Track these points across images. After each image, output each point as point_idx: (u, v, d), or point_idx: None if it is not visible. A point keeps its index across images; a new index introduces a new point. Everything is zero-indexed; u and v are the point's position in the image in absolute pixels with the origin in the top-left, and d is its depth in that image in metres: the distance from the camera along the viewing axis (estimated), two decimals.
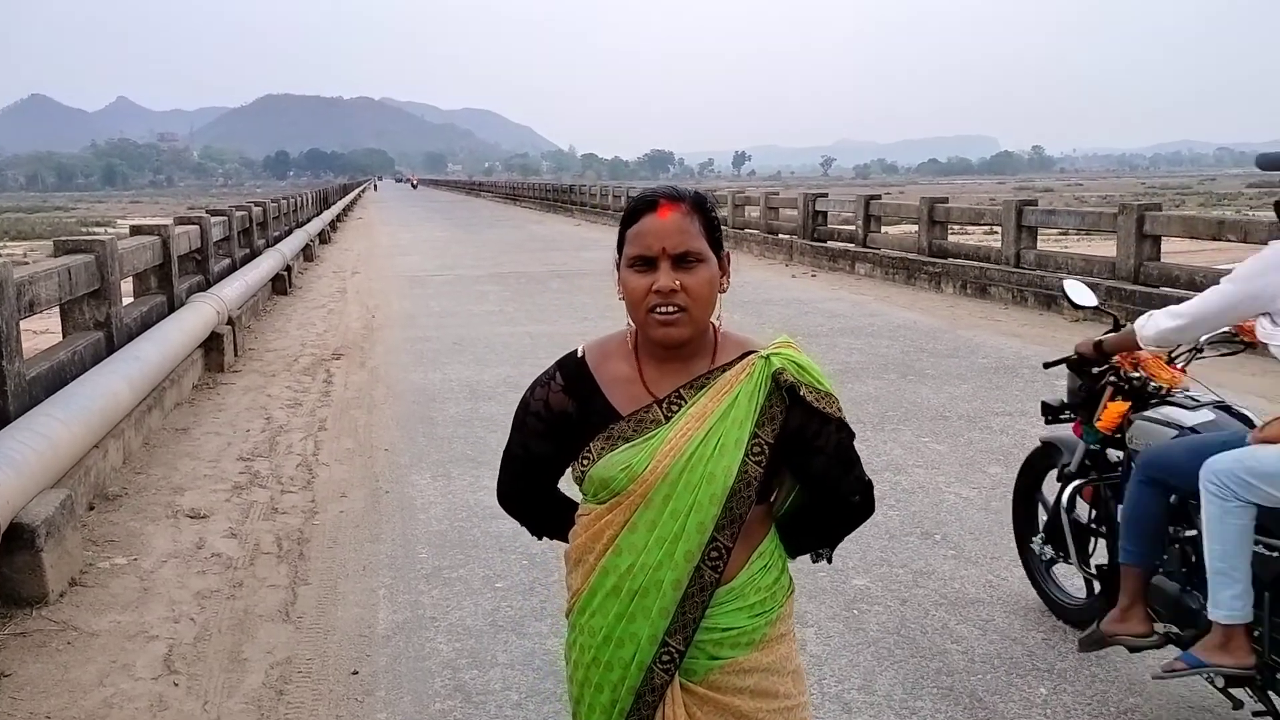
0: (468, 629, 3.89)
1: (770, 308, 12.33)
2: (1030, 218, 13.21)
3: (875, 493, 1.89)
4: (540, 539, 2.05)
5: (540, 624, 3.92)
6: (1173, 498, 3.09)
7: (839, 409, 1.77)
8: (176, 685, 3.50)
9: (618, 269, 1.78)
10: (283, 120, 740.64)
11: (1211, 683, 3.02)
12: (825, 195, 19.69)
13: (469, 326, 11.43)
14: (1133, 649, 3.29)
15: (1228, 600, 2.84)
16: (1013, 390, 7.72)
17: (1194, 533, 3.02)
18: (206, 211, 12.68)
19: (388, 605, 4.13)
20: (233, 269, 12.47)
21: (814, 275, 16.69)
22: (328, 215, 30.03)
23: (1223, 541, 2.84)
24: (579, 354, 1.86)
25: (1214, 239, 10.91)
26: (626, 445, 1.74)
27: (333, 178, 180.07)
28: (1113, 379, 3.57)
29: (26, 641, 3.79)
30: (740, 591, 1.77)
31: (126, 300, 7.88)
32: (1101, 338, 3.61)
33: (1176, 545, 3.13)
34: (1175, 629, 3.13)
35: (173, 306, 8.83)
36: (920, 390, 7.74)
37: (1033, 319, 11.59)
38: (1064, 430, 3.91)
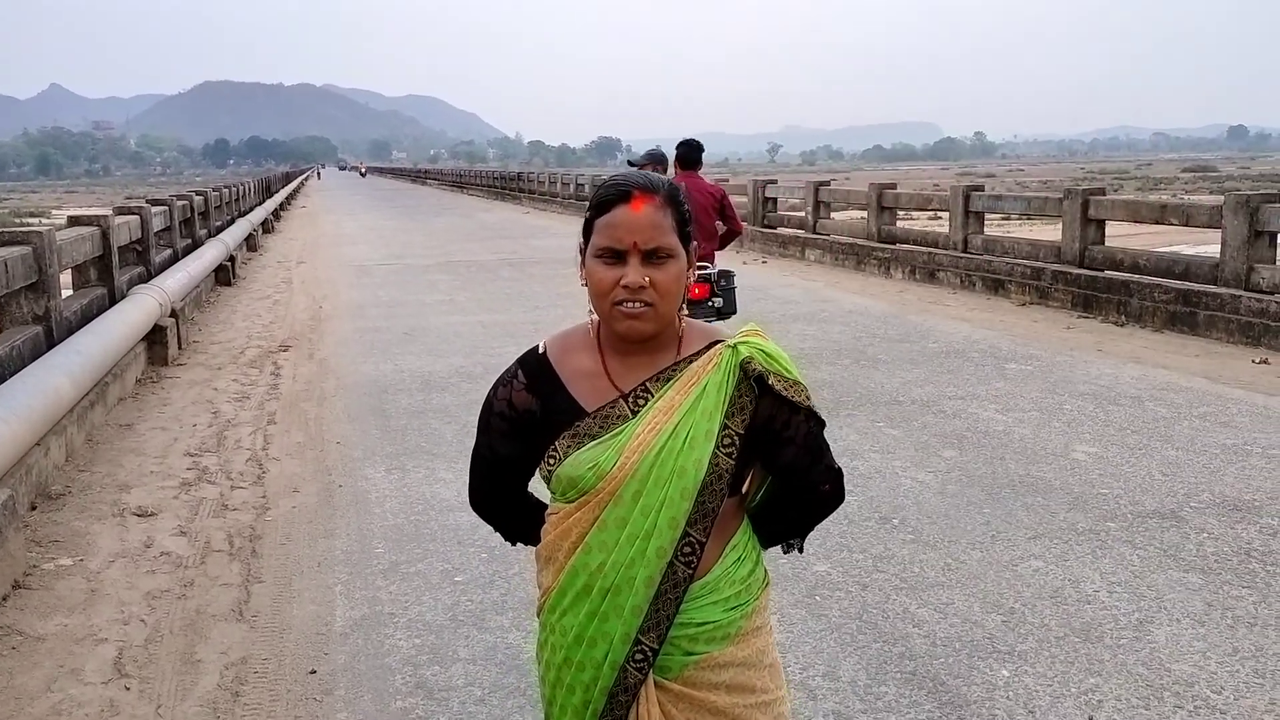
0: (428, 624, 3.83)
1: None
2: (977, 203, 13.35)
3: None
4: (514, 544, 2.01)
5: (502, 617, 3.87)
6: None
7: (808, 397, 1.74)
8: (128, 689, 3.41)
9: (581, 254, 1.74)
10: (222, 108, 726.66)
11: None
12: (775, 182, 19.76)
13: (419, 316, 11.30)
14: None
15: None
16: (964, 374, 7.79)
17: None
18: (147, 201, 12.38)
19: (345, 602, 4.05)
20: (175, 260, 12.21)
21: (764, 262, 16.75)
22: (271, 204, 29.54)
23: None
24: (540, 350, 1.81)
25: (1157, 222, 11.10)
26: (593, 443, 1.70)
27: (275, 166, 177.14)
28: None
29: None
30: (715, 585, 1.74)
31: (66, 293, 7.67)
32: None
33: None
34: None
35: (114, 299, 8.61)
36: (874, 376, 7.79)
37: (980, 303, 11.72)
38: None
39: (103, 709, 3.28)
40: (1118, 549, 4.38)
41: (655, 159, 7.77)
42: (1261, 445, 5.81)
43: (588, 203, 1.77)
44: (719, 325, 1.84)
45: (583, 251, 1.74)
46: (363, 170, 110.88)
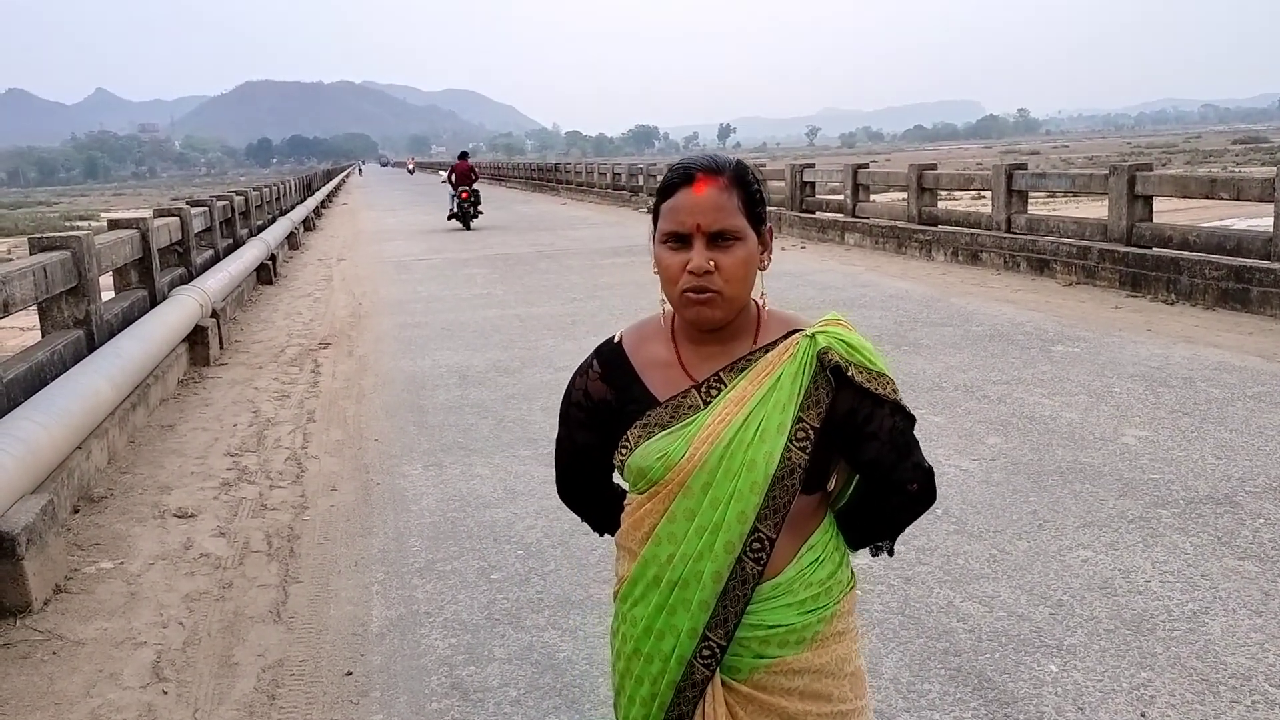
0: (463, 624, 3.80)
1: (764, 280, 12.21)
2: (1020, 182, 13.09)
3: None
4: (601, 535, 1.98)
5: (538, 615, 3.83)
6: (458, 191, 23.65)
7: (894, 390, 1.66)
8: (166, 693, 3.41)
9: (653, 243, 1.69)
10: (263, 107, 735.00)
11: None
12: (812, 165, 19.54)
13: (457, 311, 11.31)
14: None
15: (448, 205, 24.28)
16: (1009, 358, 7.63)
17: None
18: (187, 202, 12.49)
19: (381, 602, 4.04)
20: (216, 260, 12.32)
21: (803, 247, 16.58)
22: (311, 202, 29.77)
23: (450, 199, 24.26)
24: (616, 339, 1.79)
25: (1207, 197, 10.81)
26: (663, 433, 1.66)
27: (316, 163, 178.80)
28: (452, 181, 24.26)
29: (10, 653, 3.69)
30: (788, 587, 1.68)
31: (107, 296, 7.75)
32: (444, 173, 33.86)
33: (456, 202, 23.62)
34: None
35: (155, 301, 8.69)
36: (915, 361, 7.66)
37: (1025, 284, 11.50)
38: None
39: (140, 714, 3.28)
40: (1170, 537, 4.25)
41: (463, 154, 25.20)
42: None
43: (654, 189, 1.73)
44: (798, 314, 1.77)
45: (654, 238, 1.69)
46: (411, 167, 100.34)
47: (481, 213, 24.17)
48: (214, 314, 9.37)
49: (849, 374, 1.63)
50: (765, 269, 1.69)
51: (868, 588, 3.91)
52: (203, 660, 3.63)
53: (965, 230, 13.87)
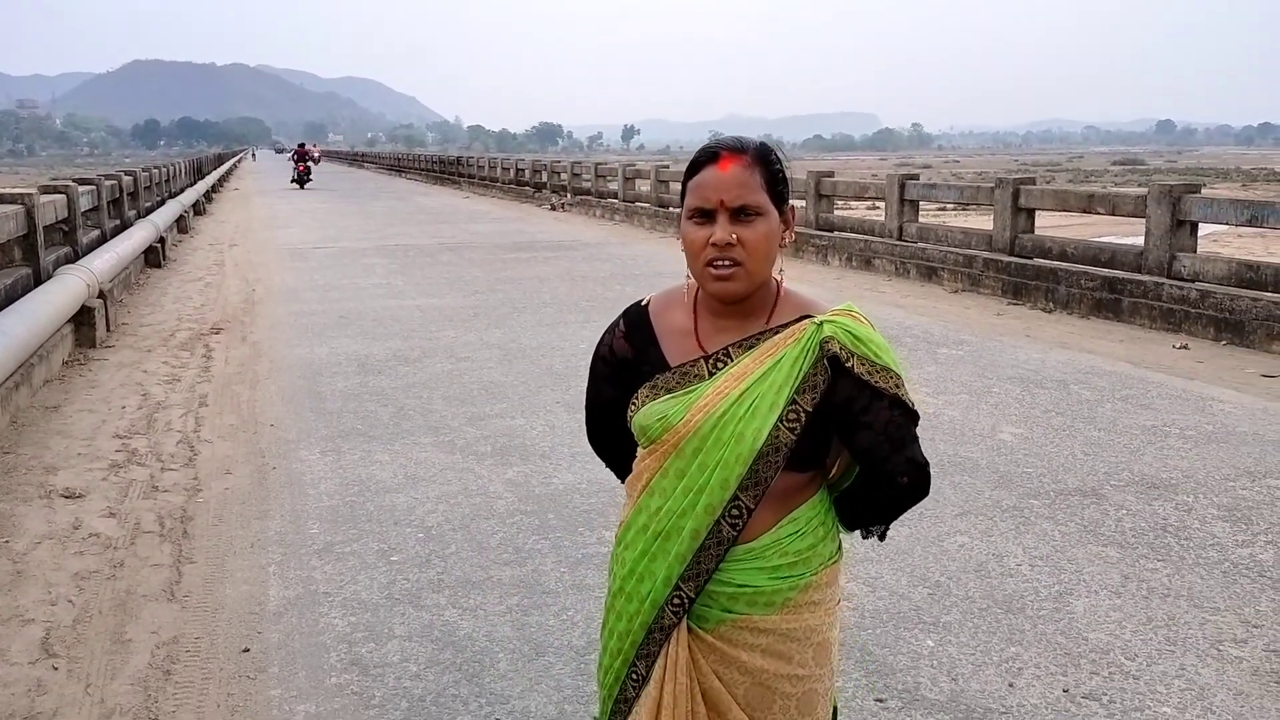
0: (363, 603, 3.83)
1: (662, 280, 12.35)
2: (912, 192, 13.56)
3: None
4: (622, 481, 2.04)
5: (438, 595, 3.88)
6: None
7: (896, 385, 1.70)
8: (56, 669, 3.36)
9: (679, 220, 1.79)
10: (152, 87, 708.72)
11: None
12: None
13: (356, 300, 11.19)
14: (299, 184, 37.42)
15: (290, 173, 38.44)
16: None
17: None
18: (74, 180, 12.08)
19: (278, 582, 4.03)
20: (103, 241, 11.94)
21: None
22: (202, 186, 28.95)
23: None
24: (644, 303, 1.90)
25: (1084, 211, 11.38)
26: (668, 396, 1.77)
27: (207, 147, 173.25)
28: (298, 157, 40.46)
29: None
30: (760, 553, 1.76)
31: None
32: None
33: (296, 172, 39.32)
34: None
35: (39, 279, 8.41)
36: None
37: (914, 289, 11.92)
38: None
39: (29, 689, 3.23)
40: (1040, 525, 4.52)
41: (301, 144, 41.90)
42: (1179, 426, 6.02)
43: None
44: (817, 299, 1.82)
45: (680, 215, 1.78)
46: (316, 155, 77.99)
47: (312, 179, 38.32)
48: (101, 295, 9.10)
49: (849, 365, 1.68)
50: (786, 247, 1.78)
51: None
52: (94, 637, 3.58)
53: (860, 237, 14.28)
